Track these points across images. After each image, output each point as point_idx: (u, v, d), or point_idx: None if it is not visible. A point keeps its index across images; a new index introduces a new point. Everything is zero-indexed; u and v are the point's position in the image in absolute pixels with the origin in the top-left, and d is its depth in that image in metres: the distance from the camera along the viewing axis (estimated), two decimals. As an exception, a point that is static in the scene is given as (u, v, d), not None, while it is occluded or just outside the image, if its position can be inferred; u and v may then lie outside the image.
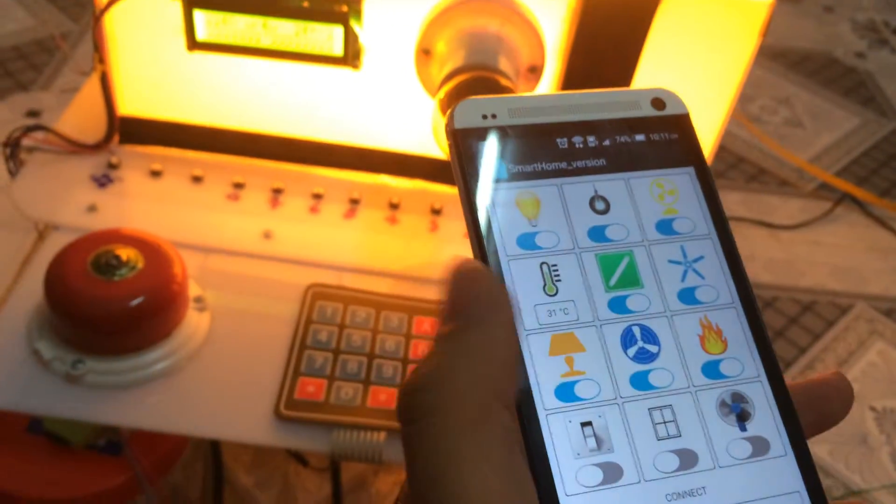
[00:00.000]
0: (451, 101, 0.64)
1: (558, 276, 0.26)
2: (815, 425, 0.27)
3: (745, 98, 1.82)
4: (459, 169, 0.27)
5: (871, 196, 1.63)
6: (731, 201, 1.58)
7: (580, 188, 0.28)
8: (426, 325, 0.70)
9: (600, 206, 0.28)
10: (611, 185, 0.28)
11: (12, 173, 0.78)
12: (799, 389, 0.27)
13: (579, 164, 0.28)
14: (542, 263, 0.27)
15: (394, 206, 0.79)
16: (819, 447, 1.17)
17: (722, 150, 1.70)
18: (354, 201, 0.79)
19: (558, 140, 0.28)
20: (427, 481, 0.21)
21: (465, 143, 0.28)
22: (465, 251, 0.83)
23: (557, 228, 0.27)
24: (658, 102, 0.30)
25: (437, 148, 0.69)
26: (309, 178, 0.81)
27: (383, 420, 0.62)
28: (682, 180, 0.29)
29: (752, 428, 0.26)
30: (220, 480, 0.86)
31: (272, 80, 0.77)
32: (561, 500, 0.24)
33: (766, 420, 0.26)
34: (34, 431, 0.69)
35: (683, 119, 0.30)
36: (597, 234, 0.27)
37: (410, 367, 0.66)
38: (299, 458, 0.99)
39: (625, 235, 0.28)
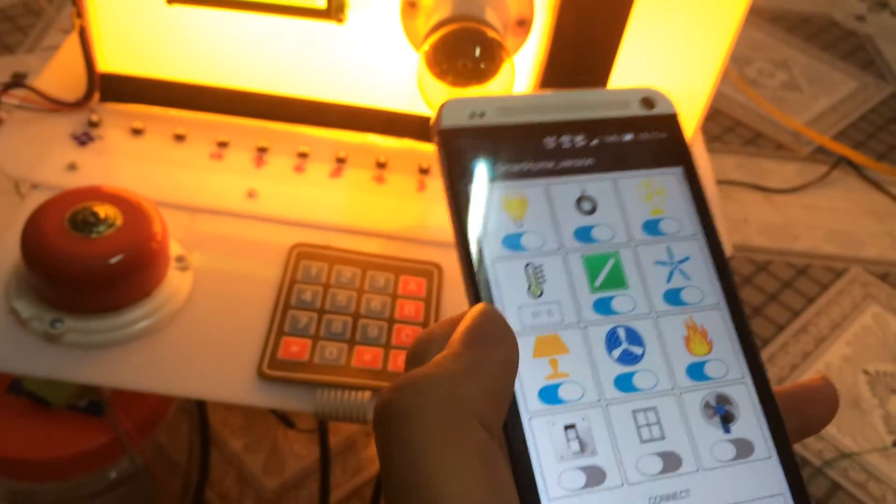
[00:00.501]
0: (436, 54, 0.63)
1: (543, 277, 0.26)
2: (800, 430, 0.27)
3: (743, 61, 1.80)
4: (446, 168, 0.27)
5: (867, 160, 1.62)
6: (727, 165, 1.56)
7: (567, 188, 0.28)
8: (412, 284, 0.69)
9: (587, 206, 0.28)
10: (598, 185, 0.28)
11: (-9, 132, 0.77)
12: (784, 394, 0.27)
13: (567, 163, 0.28)
14: (528, 265, 0.26)
15: (381, 166, 0.78)
16: (811, 410, 1.16)
17: (718, 113, 1.68)
18: (341, 160, 0.78)
19: (546, 139, 0.28)
20: (403, 487, 0.21)
21: (451, 141, 0.27)
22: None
23: (543, 229, 0.27)
24: (647, 102, 0.30)
25: (424, 105, 0.67)
26: (294, 136, 0.79)
27: (368, 380, 0.61)
28: (669, 180, 0.29)
29: (737, 430, 0.26)
30: (206, 443, 0.85)
31: (255, 36, 0.75)
32: None
33: (751, 422, 0.26)
34: (14, 392, 0.68)
35: (672, 119, 0.30)
36: (583, 234, 0.27)
37: (396, 328, 0.65)
38: (286, 420, 0.98)
39: (611, 236, 0.27)
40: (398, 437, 0.22)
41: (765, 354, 1.25)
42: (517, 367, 0.24)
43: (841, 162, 1.61)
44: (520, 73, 0.65)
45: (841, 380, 1.24)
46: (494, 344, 0.24)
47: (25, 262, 0.60)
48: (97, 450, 0.67)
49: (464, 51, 0.63)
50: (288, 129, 0.79)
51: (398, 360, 0.63)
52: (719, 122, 1.67)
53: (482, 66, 0.64)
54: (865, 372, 1.26)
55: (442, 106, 0.28)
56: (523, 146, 0.28)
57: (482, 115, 0.28)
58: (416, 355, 0.25)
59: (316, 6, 0.69)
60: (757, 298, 1.33)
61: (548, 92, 0.29)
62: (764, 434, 0.26)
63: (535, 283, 0.26)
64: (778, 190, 1.52)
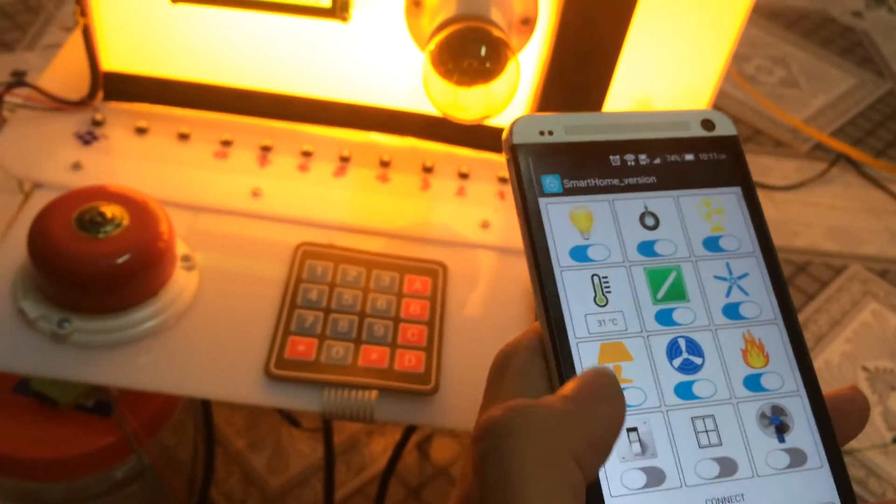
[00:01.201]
0: (442, 53, 0.63)
1: (608, 287, 0.28)
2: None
3: (741, 58, 1.80)
4: (517, 182, 0.28)
5: (866, 157, 1.62)
6: (726, 162, 1.56)
7: (631, 204, 0.29)
8: (418, 283, 0.69)
9: (650, 221, 0.29)
10: (660, 202, 0.29)
11: (-6, 131, 0.76)
12: None
13: (631, 180, 0.29)
14: (594, 275, 0.28)
15: (385, 164, 0.78)
16: (812, 407, 1.17)
17: (717, 109, 1.68)
18: (345, 159, 0.78)
19: (611, 157, 0.29)
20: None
21: (522, 157, 0.29)
22: (457, 209, 0.81)
23: (609, 242, 0.28)
24: (708, 123, 0.31)
25: (428, 104, 0.67)
26: (298, 135, 0.79)
27: (374, 379, 0.61)
28: (728, 199, 0.30)
29: (791, 440, 0.27)
30: (211, 442, 0.85)
31: (260, 35, 0.75)
32: (606, 501, 0.25)
33: (804, 433, 0.27)
34: (22, 392, 0.68)
35: (732, 140, 0.31)
36: (646, 248, 0.29)
37: (402, 326, 0.65)
38: (292, 419, 0.98)
39: (673, 251, 0.29)
40: (497, 454, 0.23)
41: (765, 351, 1.26)
42: (621, 429, 0.25)
43: (840, 159, 1.62)
44: (524, 72, 0.65)
45: (841, 377, 1.24)
46: (605, 400, 0.25)
47: (33, 262, 0.60)
48: (104, 449, 0.67)
49: (469, 50, 0.63)
50: (291, 128, 0.79)
51: (404, 359, 0.63)
52: (718, 120, 1.67)
53: (488, 65, 0.64)
54: (865, 369, 1.26)
55: (513, 123, 0.29)
56: (590, 163, 0.29)
57: (550, 132, 0.29)
58: (499, 366, 0.27)
59: (321, 5, 0.69)
60: (757, 295, 1.34)
61: (613, 112, 0.31)
62: (817, 445, 0.27)
63: (601, 293, 0.28)
64: (778, 187, 1.53)
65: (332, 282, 0.67)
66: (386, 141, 0.80)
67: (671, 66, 0.74)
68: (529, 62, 0.72)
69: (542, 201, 0.28)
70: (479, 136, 0.78)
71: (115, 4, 0.74)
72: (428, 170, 0.78)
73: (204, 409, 0.83)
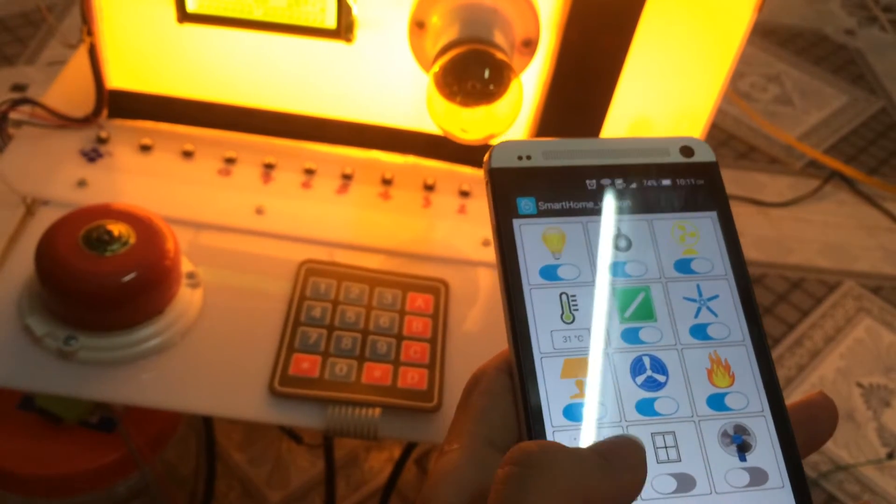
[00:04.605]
0: (446, 75, 0.64)
1: (576, 305, 0.28)
2: (807, 446, 0.28)
3: (736, 75, 1.81)
4: (493, 204, 0.29)
5: (859, 174, 1.64)
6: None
7: (604, 226, 0.30)
8: (420, 301, 0.70)
9: (622, 243, 0.29)
10: (634, 224, 0.30)
11: (0, 148, 0.77)
12: (789, 412, 0.28)
13: (606, 204, 0.30)
14: (562, 293, 0.28)
15: (387, 182, 0.79)
16: (807, 422, 1.18)
17: (712, 127, 1.69)
18: (347, 177, 0.79)
19: (588, 181, 0.30)
20: None
21: (499, 180, 0.30)
22: (458, 227, 0.82)
23: (579, 262, 0.29)
24: (687, 150, 0.31)
25: (430, 122, 0.68)
26: (301, 153, 0.80)
27: (378, 396, 0.62)
28: (703, 223, 0.30)
29: (752, 459, 0.27)
30: (212, 457, 0.85)
31: (264, 54, 0.76)
32: None
33: (767, 452, 0.27)
34: (26, 408, 0.68)
35: (711, 167, 0.31)
36: (617, 269, 0.29)
37: (405, 344, 0.66)
38: (292, 434, 0.99)
39: (643, 272, 0.29)
40: (521, 479, 0.24)
41: (760, 367, 1.27)
42: (637, 497, 0.25)
43: (833, 176, 1.63)
44: (525, 93, 0.66)
45: (835, 392, 1.25)
46: (631, 467, 0.25)
47: (40, 279, 0.60)
48: (108, 466, 0.68)
49: (473, 72, 0.64)
50: (295, 146, 0.80)
51: (407, 377, 0.64)
52: (713, 136, 1.69)
53: (491, 87, 0.65)
54: (859, 385, 1.27)
55: (492, 148, 0.30)
56: (566, 186, 0.30)
57: (529, 157, 0.30)
58: (469, 386, 0.28)
59: (326, 26, 0.70)
60: (752, 311, 1.35)
61: (592, 138, 0.31)
62: (779, 465, 0.27)
63: (568, 311, 0.28)
64: (772, 204, 1.54)
65: (336, 299, 0.68)
66: (388, 159, 0.81)
67: (670, 87, 0.75)
68: (530, 83, 0.73)
69: (517, 222, 0.29)
70: (481, 155, 0.78)
71: (121, 23, 0.75)
72: (429, 188, 0.79)
73: (205, 425, 0.83)
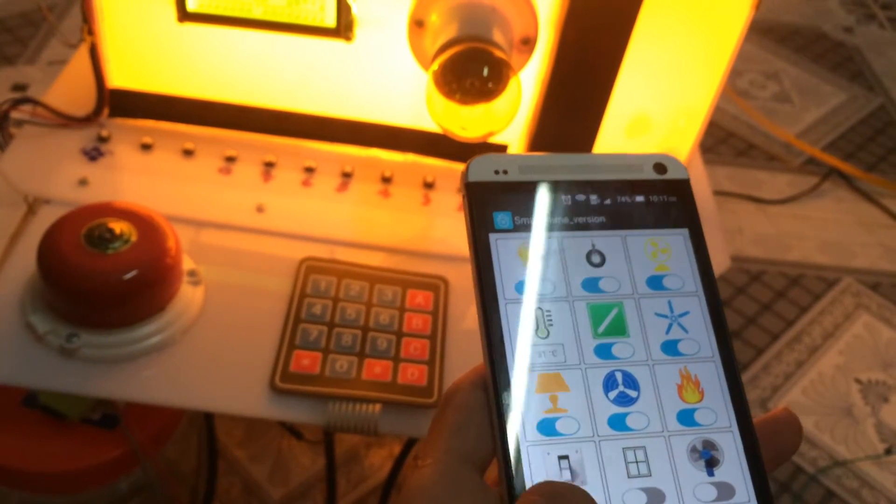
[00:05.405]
0: (445, 73, 0.64)
1: (551, 320, 0.29)
2: (773, 460, 0.29)
3: (734, 73, 1.82)
4: (469, 218, 0.30)
5: (857, 171, 1.64)
6: (720, 176, 1.58)
7: (579, 242, 0.30)
8: (420, 298, 0.70)
9: (596, 259, 0.30)
10: (608, 240, 0.30)
11: (1, 147, 0.77)
12: (756, 427, 0.29)
13: (581, 220, 0.30)
14: (537, 308, 0.29)
15: (386, 180, 0.79)
16: (805, 419, 1.18)
17: (711, 124, 1.70)
18: (347, 175, 0.79)
19: (563, 196, 0.30)
20: None
21: (476, 194, 0.30)
22: (457, 224, 0.82)
23: (554, 277, 0.29)
24: (660, 167, 0.32)
25: (429, 121, 0.68)
26: (301, 151, 0.80)
27: (378, 392, 0.62)
28: (675, 240, 0.31)
29: (720, 474, 0.28)
30: (213, 454, 0.86)
31: (264, 53, 0.76)
32: None
33: (734, 468, 0.28)
34: (29, 405, 0.69)
35: (683, 184, 0.31)
36: (590, 285, 0.29)
37: (404, 340, 0.66)
38: (294, 431, 0.99)
39: (616, 288, 0.30)
40: None
41: (759, 364, 1.27)
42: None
43: (832, 173, 1.64)
44: (524, 90, 0.66)
45: (834, 388, 1.25)
46: None
47: (42, 277, 0.61)
48: (110, 462, 0.68)
49: (472, 71, 0.64)
50: (295, 144, 0.81)
51: (407, 373, 0.64)
52: (712, 134, 1.69)
53: (489, 85, 0.65)
54: (858, 381, 1.28)
55: (469, 162, 0.30)
56: (541, 201, 0.30)
57: (505, 171, 0.30)
58: (444, 401, 0.29)
59: (326, 25, 0.70)
60: (751, 308, 1.35)
61: (568, 154, 0.32)
62: (745, 480, 0.28)
63: (543, 326, 0.28)
64: (771, 201, 1.54)
65: (336, 296, 0.68)
66: (388, 157, 0.81)
67: (668, 85, 0.76)
68: (529, 81, 0.73)
69: (493, 237, 0.29)
70: (480, 153, 0.80)
71: (121, 23, 0.76)
72: (429, 185, 0.79)
73: (207, 422, 0.84)
